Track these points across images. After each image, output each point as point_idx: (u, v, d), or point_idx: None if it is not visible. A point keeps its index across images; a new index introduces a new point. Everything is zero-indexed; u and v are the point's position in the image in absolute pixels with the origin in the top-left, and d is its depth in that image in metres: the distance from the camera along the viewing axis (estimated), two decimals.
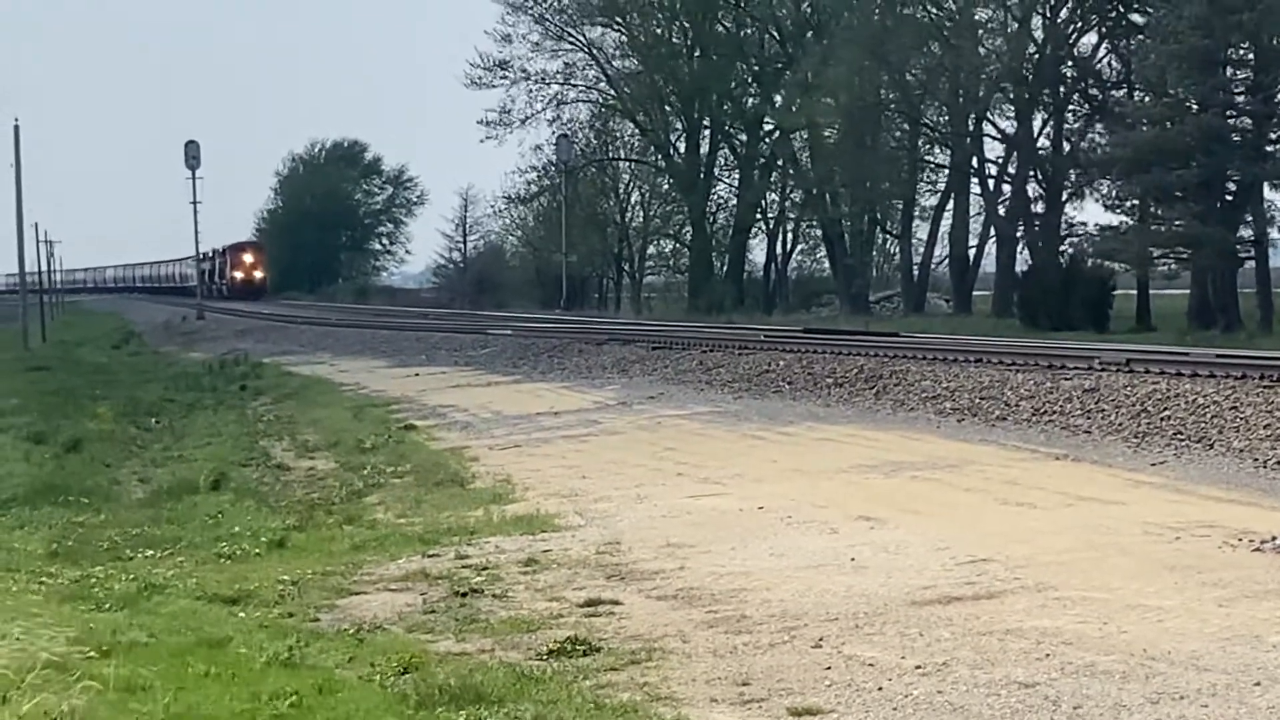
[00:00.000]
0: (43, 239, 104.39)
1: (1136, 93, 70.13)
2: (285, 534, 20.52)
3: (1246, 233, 65.97)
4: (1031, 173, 79.06)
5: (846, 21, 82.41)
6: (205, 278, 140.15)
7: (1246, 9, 60.84)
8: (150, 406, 40.18)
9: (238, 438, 32.36)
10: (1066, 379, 32.17)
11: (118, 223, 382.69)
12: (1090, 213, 75.51)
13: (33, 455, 30.07)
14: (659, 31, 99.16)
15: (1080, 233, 75.66)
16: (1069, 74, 77.13)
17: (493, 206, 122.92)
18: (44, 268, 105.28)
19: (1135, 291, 70.53)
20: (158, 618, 14.99)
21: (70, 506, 24.14)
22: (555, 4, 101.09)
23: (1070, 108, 77.54)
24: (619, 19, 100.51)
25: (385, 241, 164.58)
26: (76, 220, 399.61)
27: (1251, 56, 63.98)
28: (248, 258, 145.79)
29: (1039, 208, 78.06)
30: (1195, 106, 64.01)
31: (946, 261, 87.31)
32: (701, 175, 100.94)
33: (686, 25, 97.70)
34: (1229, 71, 64.52)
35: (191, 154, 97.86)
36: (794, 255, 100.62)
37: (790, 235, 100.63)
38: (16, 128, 76.91)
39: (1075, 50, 77.31)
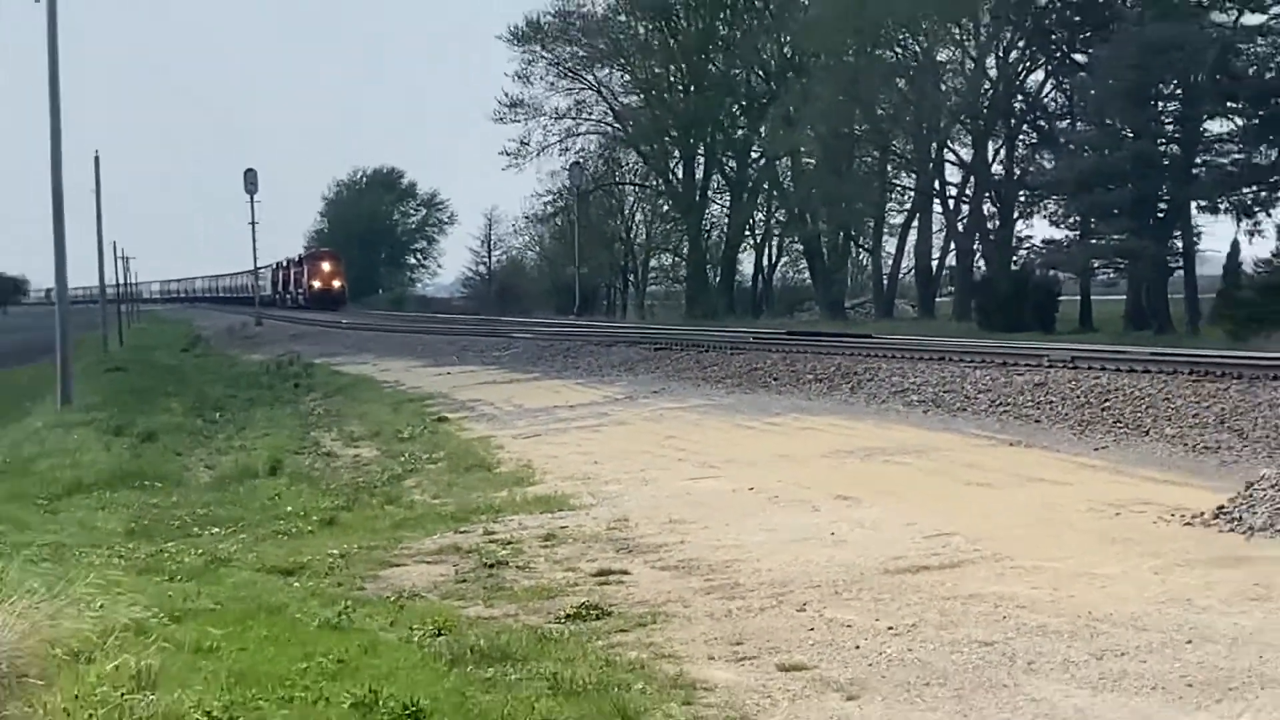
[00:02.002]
0: (120, 255, 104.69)
1: (1078, 123, 70.14)
2: (334, 513, 20.51)
3: (1176, 246, 66.00)
4: (986, 194, 79.09)
5: (823, 62, 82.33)
6: (279, 287, 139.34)
7: (1175, 49, 60.85)
8: (215, 402, 40.16)
9: (292, 429, 32.35)
10: (1019, 374, 32.14)
11: (187, 239, 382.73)
12: (1038, 228, 75.55)
13: (112, 446, 30.03)
14: (659, 71, 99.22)
15: (1029, 246, 75.74)
16: (1019, 107, 77.14)
17: (514, 225, 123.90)
18: (121, 280, 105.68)
19: (1078, 297, 70.47)
20: (223, 587, 14.99)
21: (145, 490, 24.11)
22: (567, 49, 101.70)
23: (1020, 137, 77.56)
24: (623, 60, 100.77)
25: (419, 256, 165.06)
26: (150, 237, 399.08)
27: (1180, 91, 63.94)
28: (326, 266, 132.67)
29: (993, 224, 78.06)
30: (1130, 135, 63.99)
31: (912, 271, 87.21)
32: (697, 197, 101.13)
33: (683, 65, 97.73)
34: (1159, 105, 64.50)
35: (250, 181, 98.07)
36: (778, 267, 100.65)
37: (775, 249, 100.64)
38: (97, 158, 76.99)
39: (1024, 86, 77.30)
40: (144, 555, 17.47)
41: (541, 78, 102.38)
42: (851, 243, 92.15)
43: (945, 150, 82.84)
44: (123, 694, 10.16)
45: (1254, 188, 63.86)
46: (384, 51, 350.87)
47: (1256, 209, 64.19)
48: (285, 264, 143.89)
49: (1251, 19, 65.41)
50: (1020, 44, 76.27)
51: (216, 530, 19.56)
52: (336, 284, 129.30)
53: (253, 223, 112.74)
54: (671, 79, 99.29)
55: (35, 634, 11.12)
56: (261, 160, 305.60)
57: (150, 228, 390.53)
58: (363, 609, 13.77)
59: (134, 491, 23.86)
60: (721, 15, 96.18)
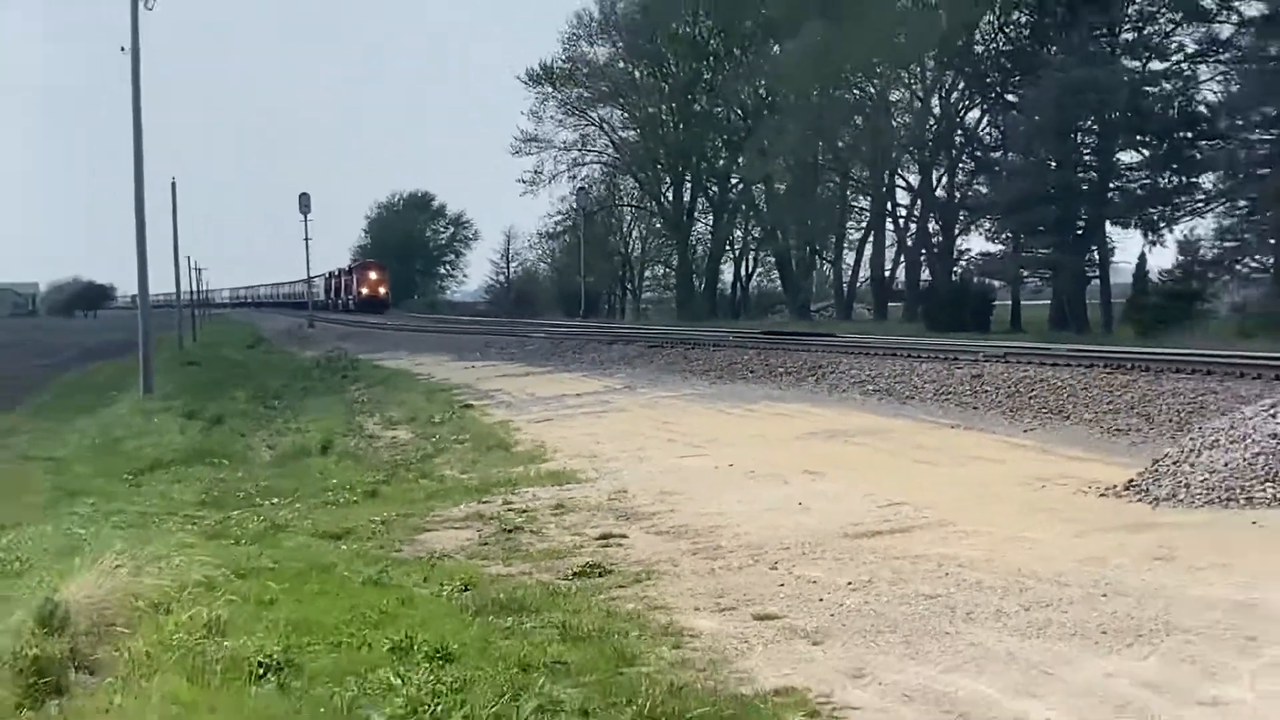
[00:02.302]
0: (193, 266, 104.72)
1: (1010, 154, 70.05)
2: (376, 486, 20.53)
3: (1093, 258, 66.04)
4: (931, 214, 79.09)
5: (792, 102, 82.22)
6: (331, 293, 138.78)
7: (1092, 91, 60.85)
8: (274, 392, 40.16)
9: (339, 415, 32.36)
10: (959, 368, 32.14)
11: (251, 251, 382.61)
12: (975, 243, 75.92)
13: (186, 428, 30.06)
14: (652, 110, 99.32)
15: (968, 258, 75.89)
16: (959, 140, 77.15)
17: (529, 241, 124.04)
18: (194, 287, 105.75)
19: (1010, 302, 70.50)
20: (281, 549, 15.01)
21: (215, 466, 24.14)
22: (574, 90, 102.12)
23: (960, 165, 77.57)
24: (622, 100, 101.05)
25: (448, 267, 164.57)
26: (220, 249, 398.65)
27: (1096, 127, 63.90)
28: (373, 275, 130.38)
29: (937, 240, 78.03)
30: (1054, 164, 63.96)
31: (868, 280, 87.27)
32: (684, 217, 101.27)
33: (673, 104, 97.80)
34: (1079, 138, 64.45)
35: (304, 203, 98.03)
36: (754, 276, 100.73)
37: (751, 261, 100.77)
38: (173, 184, 77.04)
39: (963, 122, 77.31)
40: (213, 522, 17.50)
41: (552, 115, 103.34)
42: (816, 255, 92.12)
43: (896, 177, 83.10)
44: (196, 640, 10.20)
45: (1158, 208, 63.85)
46: (423, 92, 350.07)
47: (1161, 225, 64.18)
48: (337, 273, 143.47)
49: (1157, 65, 65.53)
50: (960, 86, 76.30)
51: (275, 500, 19.58)
52: (382, 290, 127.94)
53: (306, 239, 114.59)
54: (663, 116, 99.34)
55: (121, 589, 11.13)
56: (313, 182, 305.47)
57: (220, 241, 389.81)
58: (400, 568, 13.79)
59: (205, 467, 23.88)
60: (705, 61, 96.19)
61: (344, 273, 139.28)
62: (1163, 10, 65.62)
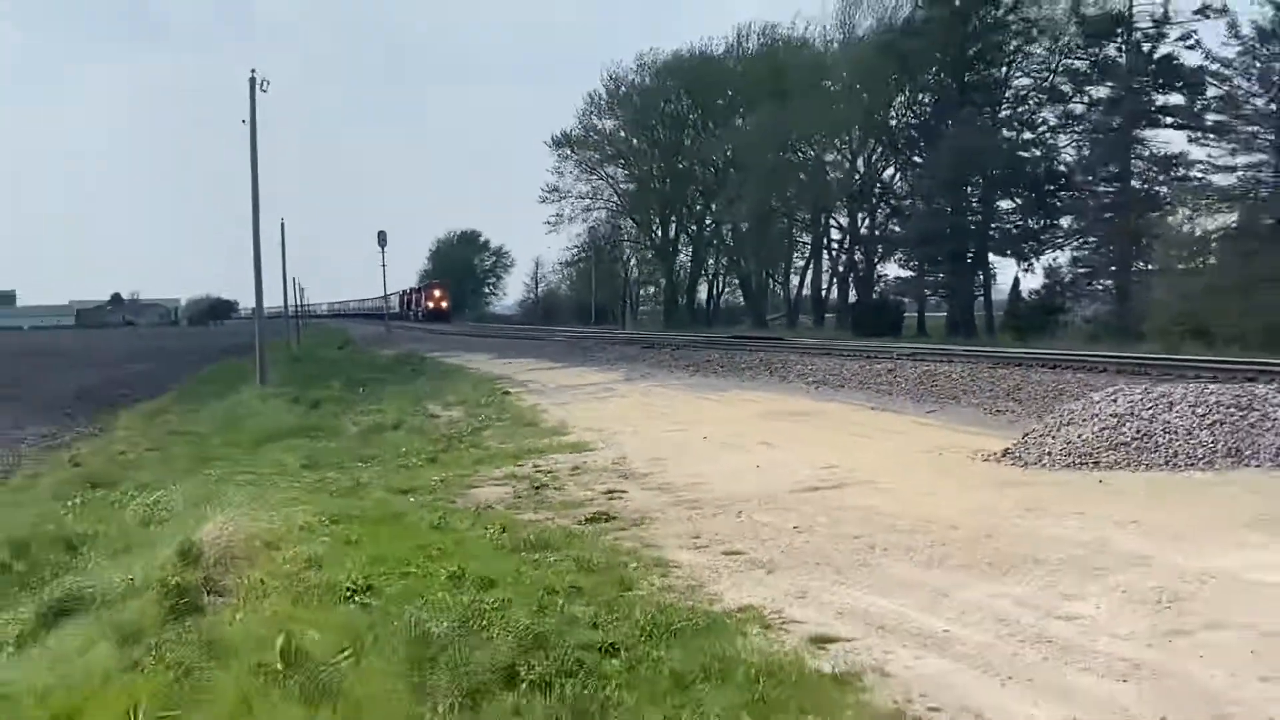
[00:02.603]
0: (297, 286, 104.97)
1: (916, 202, 70.14)
2: (436, 454, 20.47)
3: (979, 280, 66.24)
4: (857, 246, 79.10)
5: (751, 163, 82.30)
6: (404, 307, 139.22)
7: (977, 154, 60.95)
8: (359, 382, 40.07)
9: (408, 399, 32.30)
10: (878, 363, 32.17)
11: (343, 271, 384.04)
12: (890, 269, 75.58)
13: (292, 410, 30.02)
14: (646, 168, 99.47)
15: (885, 280, 75.92)
16: (878, 190, 77.23)
17: (553, 267, 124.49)
18: (298, 302, 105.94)
19: (916, 314, 70.55)
20: (364, 502, 14.99)
21: (313, 438, 24.09)
22: (587, 153, 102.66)
23: (878, 210, 77.58)
24: (623, 161, 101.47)
25: (491, 287, 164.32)
26: (319, 270, 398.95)
27: (980, 181, 64.03)
28: (437, 293, 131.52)
29: (862, 266, 78.03)
30: (949, 210, 64.08)
31: (810, 296, 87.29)
32: (670, 249, 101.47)
33: (661, 164, 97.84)
34: (968, 190, 64.55)
35: (381, 239, 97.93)
36: (723, 293, 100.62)
37: (721, 282, 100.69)
38: (282, 224, 77.10)
39: (881, 177, 77.34)
40: (312, 480, 17.48)
41: (570, 172, 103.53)
42: (770, 278, 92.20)
43: (830, 219, 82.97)
44: (299, 570, 10.22)
45: (1028, 243, 64.02)
46: (473, 150, 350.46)
47: (1030, 256, 64.36)
48: (409, 291, 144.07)
49: (1027, 135, 65.70)
50: (879, 150, 76.38)
51: (360, 464, 19.53)
52: (444, 305, 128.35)
53: (383, 265, 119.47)
54: (654, 173, 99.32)
55: (243, 532, 11.14)
56: (388, 219, 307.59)
57: (318, 263, 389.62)
58: (454, 516, 13.76)
59: (306, 439, 23.84)
60: (685, 131, 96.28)
61: (415, 291, 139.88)
62: (1031, 94, 66.00)
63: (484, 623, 8.47)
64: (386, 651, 7.89)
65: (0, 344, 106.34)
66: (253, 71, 39.70)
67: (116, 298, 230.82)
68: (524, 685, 7.22)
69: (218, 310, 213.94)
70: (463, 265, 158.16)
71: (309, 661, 7.55)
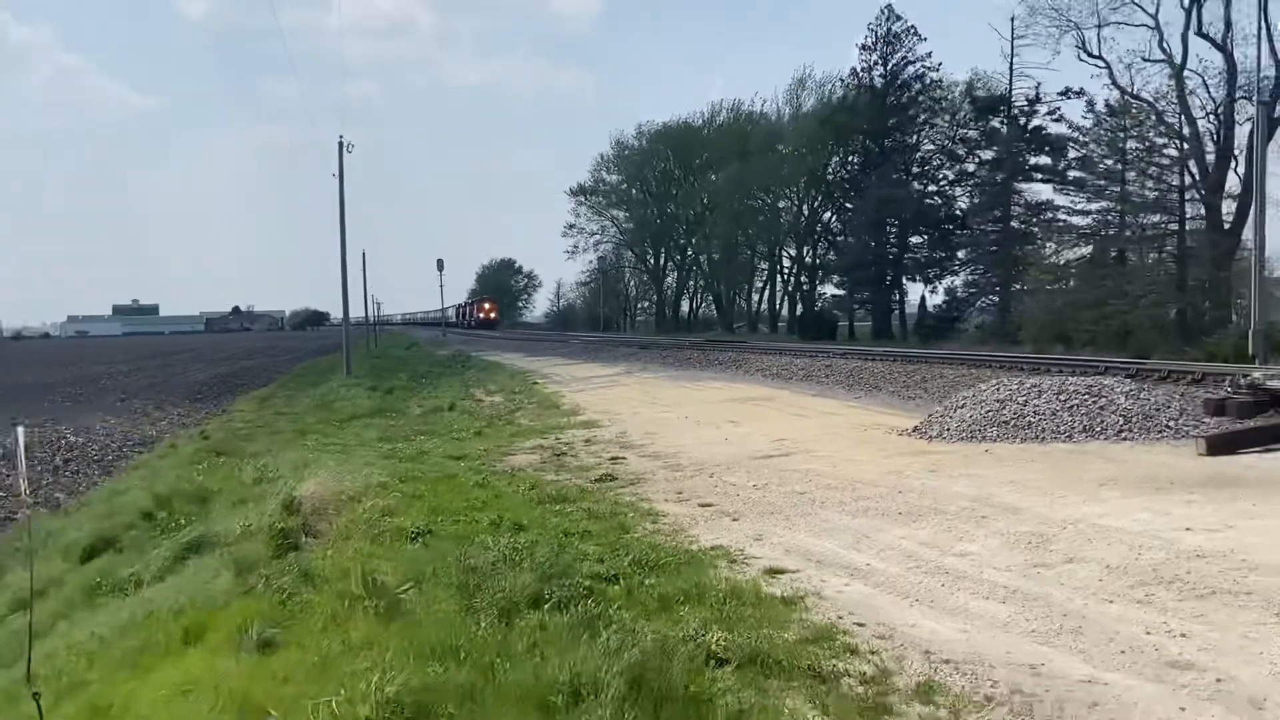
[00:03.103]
0: (375, 301, 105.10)
1: (848, 238, 70.13)
2: (480, 429, 20.46)
3: (895, 298, 66.28)
4: (803, 272, 79.05)
5: (722, 207, 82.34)
6: (460, 317, 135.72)
7: (894, 202, 60.98)
8: (422, 374, 40.10)
9: (459, 388, 32.31)
10: (818, 360, 32.14)
11: (410, 287, 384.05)
12: (828, 289, 75.70)
13: (371, 396, 30.05)
14: (642, 211, 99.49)
15: (824, 298, 76.02)
16: (818, 229, 77.18)
17: (571, 286, 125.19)
18: (376, 312, 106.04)
19: (848, 323, 70.51)
20: (426, 466, 14.99)
21: (388, 417, 24.11)
22: (597, 199, 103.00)
23: (819, 244, 77.54)
24: (625, 205, 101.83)
25: (523, 303, 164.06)
26: (391, 285, 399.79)
27: (897, 223, 64.06)
28: (487, 305, 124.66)
29: (806, 287, 78.03)
30: (873, 244, 64.12)
31: (766, 310, 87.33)
32: (660, 274, 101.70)
33: (654, 209, 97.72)
34: (888, 229, 64.54)
35: (439, 265, 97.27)
36: (700, 307, 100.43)
37: (699, 299, 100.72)
38: (364, 255, 76.81)
39: (821, 219, 77.23)
40: (386, 450, 17.48)
41: (583, 214, 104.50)
42: (736, 295, 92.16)
43: (782, 250, 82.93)
44: (375, 518, 10.22)
45: (933, 270, 64.24)
46: (512, 194, 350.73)
47: (934, 279, 64.62)
48: (464, 304, 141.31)
49: (932, 187, 65.73)
50: (819, 198, 76.28)
51: (423, 437, 19.53)
52: (493, 315, 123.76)
53: (440, 285, 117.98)
54: (648, 215, 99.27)
55: (332, 488, 11.15)
56: (444, 246, 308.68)
57: (392, 280, 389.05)
58: (494, 477, 13.75)
59: (381, 418, 23.86)
60: (672, 184, 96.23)
61: (470, 304, 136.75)
62: (935, 155, 66.11)
63: (516, 558, 8.49)
64: (442, 581, 7.90)
65: (147, 345, 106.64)
66: (340, 136, 39.98)
67: (236, 309, 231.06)
68: (547, 605, 7.24)
69: (314, 319, 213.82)
70: (501, 285, 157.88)
71: (382, 588, 7.57)
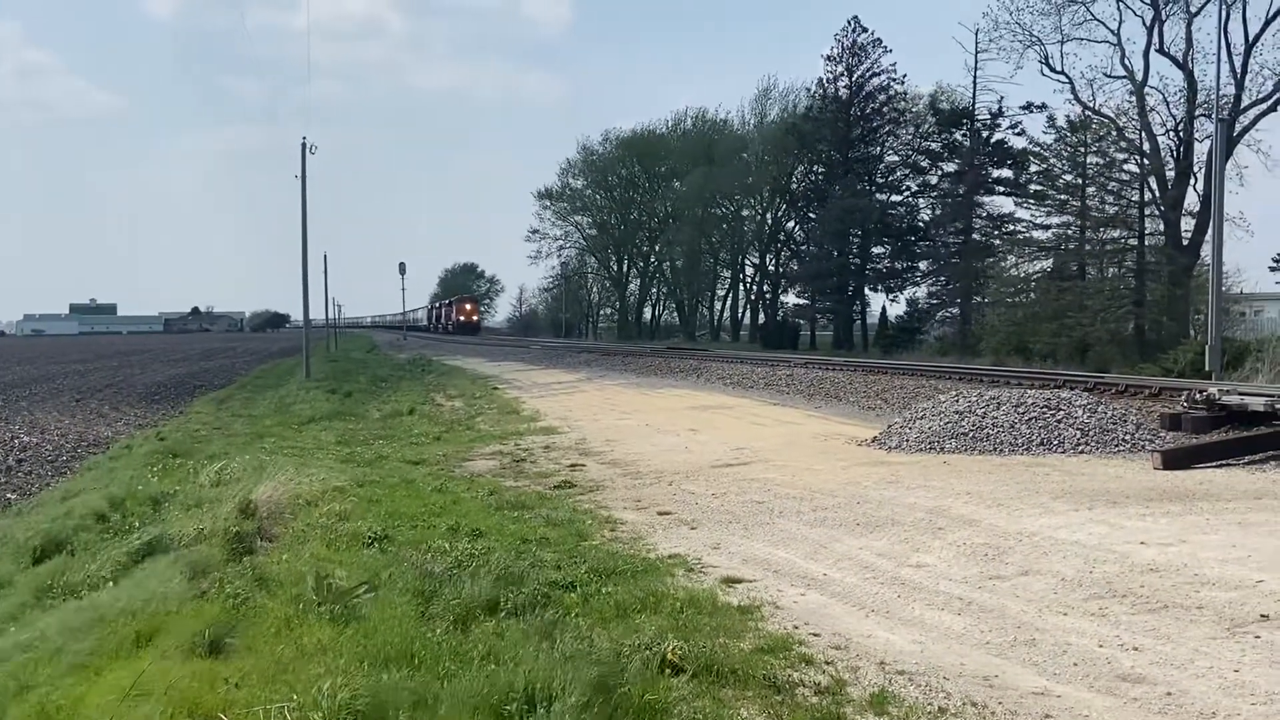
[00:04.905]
0: (335, 303, 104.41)
1: (811, 247, 70.44)
2: (440, 434, 20.39)
3: (857, 308, 66.61)
4: (766, 280, 79.34)
5: (685, 214, 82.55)
6: (433, 320, 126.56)
7: (857, 212, 61.35)
8: (381, 378, 39.82)
9: (419, 392, 32.17)
10: (778, 370, 32.28)
11: (370, 289, 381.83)
12: (790, 298, 75.90)
13: (330, 399, 29.80)
14: (605, 217, 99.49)
15: (786, 306, 76.20)
16: (781, 238, 77.51)
17: (534, 291, 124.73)
18: (336, 315, 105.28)
19: (809, 332, 70.82)
20: (384, 470, 14.92)
21: (346, 420, 23.93)
22: (561, 204, 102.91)
23: (782, 253, 77.85)
24: (588, 211, 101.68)
25: (485, 307, 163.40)
26: (351, 288, 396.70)
27: (859, 233, 64.39)
28: (468, 306, 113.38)
29: (769, 295, 78.27)
30: (835, 254, 64.41)
31: (728, 317, 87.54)
32: (623, 280, 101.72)
33: (618, 215, 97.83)
34: (850, 238, 64.85)
35: (401, 268, 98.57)
36: (663, 314, 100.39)
37: (661, 306, 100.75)
38: (325, 256, 76.08)
39: (785, 228, 77.53)
40: (344, 453, 17.38)
41: (548, 218, 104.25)
42: (699, 303, 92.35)
43: (745, 258, 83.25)
44: (331, 522, 10.15)
45: (895, 280, 64.64)
46: (476, 195, 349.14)
47: (896, 290, 65.06)
48: (439, 305, 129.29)
49: (895, 198, 66.21)
50: (782, 207, 76.63)
51: (381, 442, 19.43)
52: (475, 318, 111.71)
53: (403, 289, 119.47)
54: (611, 221, 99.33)
55: (289, 492, 11.06)
56: (406, 250, 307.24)
57: (352, 282, 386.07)
58: (453, 482, 13.72)
59: (340, 421, 23.69)
60: (636, 190, 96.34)
61: (446, 304, 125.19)
62: (898, 167, 66.61)
63: (473, 564, 8.47)
64: (398, 586, 7.86)
65: (104, 344, 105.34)
66: (304, 138, 39.66)
67: (195, 309, 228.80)
68: (503, 612, 7.23)
69: (274, 321, 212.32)
70: (464, 289, 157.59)
71: (338, 593, 7.52)
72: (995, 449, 15.82)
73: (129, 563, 10.00)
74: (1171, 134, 44.57)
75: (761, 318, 78.74)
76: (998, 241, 55.15)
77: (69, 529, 11.88)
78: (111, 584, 9.08)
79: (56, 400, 32.47)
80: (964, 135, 59.49)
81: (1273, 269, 69.46)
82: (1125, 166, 46.32)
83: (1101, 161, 47.09)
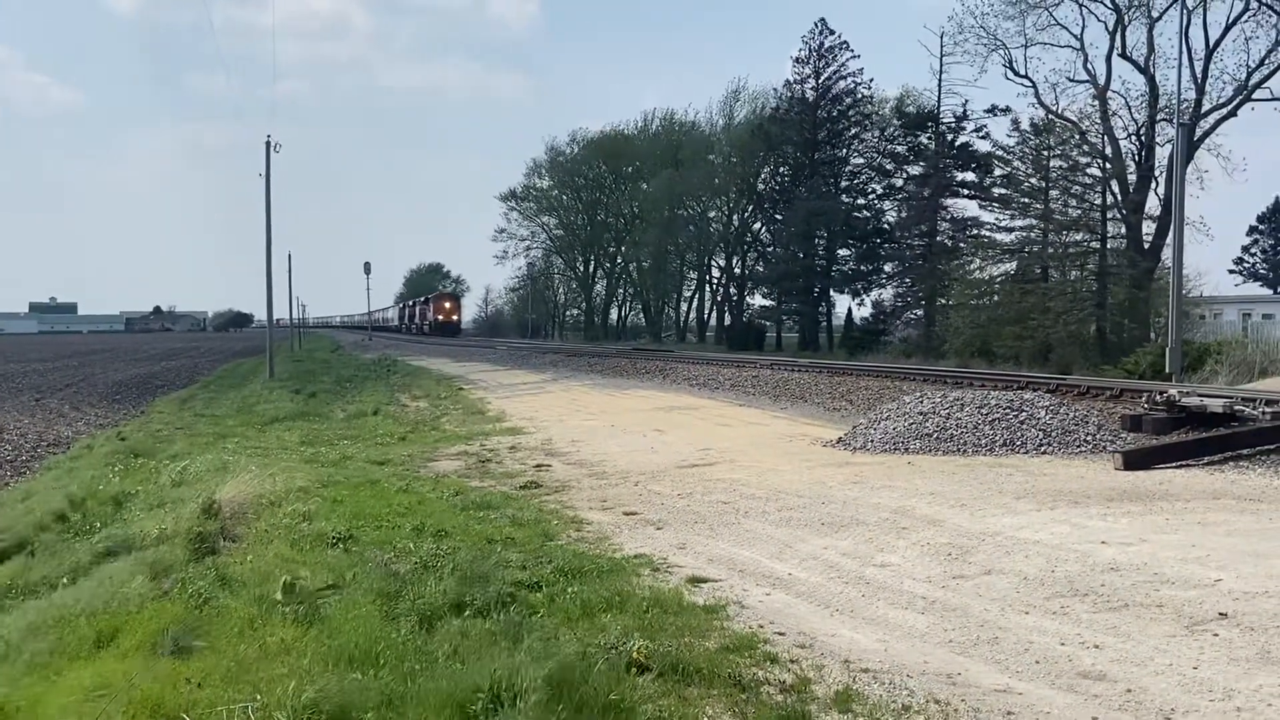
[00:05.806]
0: (300, 303, 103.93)
1: (777, 249, 70.53)
2: (405, 434, 20.30)
3: (823, 310, 66.80)
4: (732, 282, 79.35)
5: (653, 215, 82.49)
6: (405, 320, 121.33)
7: (822, 214, 61.54)
8: (346, 378, 39.62)
9: (384, 392, 32.01)
10: (744, 371, 32.34)
11: (334, 291, 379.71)
12: (757, 300, 75.94)
13: (294, 399, 29.62)
14: (572, 218, 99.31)
15: (752, 308, 76.27)
16: (748, 239, 77.55)
17: (500, 292, 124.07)
18: (301, 315, 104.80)
19: (775, 334, 70.93)
20: (348, 471, 14.83)
21: (311, 420, 23.79)
22: (528, 205, 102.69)
23: (748, 254, 77.90)
24: (555, 211, 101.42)
25: None
26: (316, 288, 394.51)
27: (825, 235, 64.51)
28: (447, 304, 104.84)
29: (735, 297, 78.31)
30: (801, 255, 64.50)
31: (695, 319, 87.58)
32: (589, 281, 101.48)
33: (585, 215, 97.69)
34: (816, 241, 64.97)
35: (367, 268, 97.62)
36: (629, 315, 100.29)
37: (628, 307, 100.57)
38: (289, 256, 76.10)
39: (751, 229, 77.58)
40: (308, 453, 17.27)
41: (514, 219, 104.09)
42: (665, 304, 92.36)
43: (712, 260, 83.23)
44: (295, 523, 10.11)
45: (860, 282, 64.82)
46: (441, 194, 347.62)
47: (862, 292, 65.22)
48: (412, 303, 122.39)
49: (860, 200, 66.39)
50: (749, 209, 76.73)
51: (346, 442, 19.32)
52: (455, 318, 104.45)
53: (368, 289, 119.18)
54: (578, 222, 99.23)
55: (252, 492, 10.99)
56: (371, 250, 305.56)
57: (316, 282, 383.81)
58: (418, 482, 13.66)
59: (304, 422, 23.54)
60: (603, 190, 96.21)
61: (420, 302, 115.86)
62: (864, 169, 66.88)
63: (438, 564, 8.45)
64: (363, 586, 7.83)
65: (65, 344, 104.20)
66: (268, 137, 39.35)
67: (157, 309, 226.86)
68: (468, 612, 7.22)
69: (238, 320, 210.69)
70: (430, 289, 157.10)
71: (302, 593, 7.48)
72: (959, 450, 15.94)
73: (90, 563, 9.91)
74: (1134, 138, 45.05)
75: (728, 319, 78.86)
76: (962, 244, 55.45)
77: (29, 529, 11.76)
78: (72, 584, 8.99)
79: (16, 400, 32.12)
80: (929, 138, 59.86)
81: (1232, 271, 70.50)
82: (1088, 170, 46.69)
83: (1065, 165, 47.45)
